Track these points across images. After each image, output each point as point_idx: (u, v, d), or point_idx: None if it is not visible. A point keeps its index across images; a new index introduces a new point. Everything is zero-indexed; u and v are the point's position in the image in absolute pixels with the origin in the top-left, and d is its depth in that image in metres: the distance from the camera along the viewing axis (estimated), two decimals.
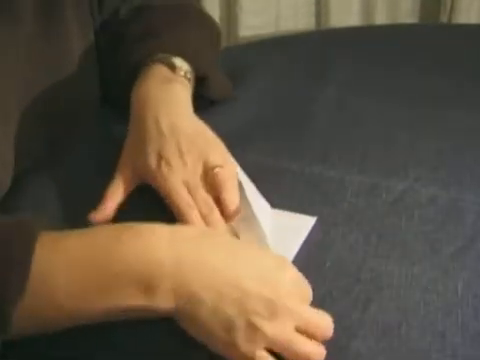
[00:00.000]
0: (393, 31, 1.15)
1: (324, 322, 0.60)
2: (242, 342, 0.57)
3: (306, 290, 0.61)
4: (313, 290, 0.64)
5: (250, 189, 0.73)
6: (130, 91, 0.78)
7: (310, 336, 0.59)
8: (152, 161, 0.71)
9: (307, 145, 0.84)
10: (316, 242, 0.70)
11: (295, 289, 0.60)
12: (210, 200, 0.69)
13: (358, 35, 1.13)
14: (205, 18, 0.93)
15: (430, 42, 1.08)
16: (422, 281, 0.66)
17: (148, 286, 0.56)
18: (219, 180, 0.69)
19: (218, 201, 0.69)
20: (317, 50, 1.06)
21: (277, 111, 0.90)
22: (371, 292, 0.65)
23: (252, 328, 0.57)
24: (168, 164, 0.70)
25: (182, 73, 0.79)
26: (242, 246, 0.63)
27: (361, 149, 0.83)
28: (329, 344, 0.60)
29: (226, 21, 1.64)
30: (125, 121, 0.77)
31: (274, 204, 0.74)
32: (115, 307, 0.57)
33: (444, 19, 1.58)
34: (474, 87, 0.95)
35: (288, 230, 0.71)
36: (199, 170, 0.71)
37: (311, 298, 0.61)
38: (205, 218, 0.68)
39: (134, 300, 0.57)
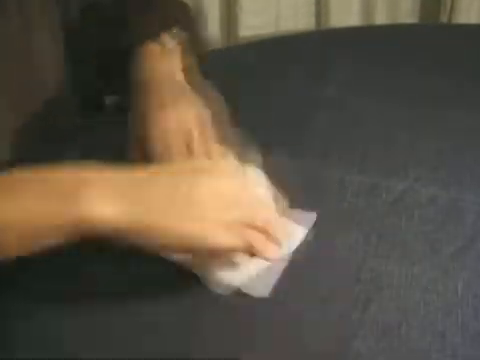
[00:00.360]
0: (393, 31, 1.15)
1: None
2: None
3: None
4: (313, 290, 0.64)
5: None
6: (123, 72, 0.83)
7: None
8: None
9: (307, 145, 0.84)
10: (316, 242, 0.70)
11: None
12: None
13: (358, 35, 1.13)
14: None
15: (430, 42, 1.08)
16: (422, 281, 0.66)
17: (81, 197, 0.56)
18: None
19: None
20: (317, 50, 1.06)
21: (277, 111, 0.90)
22: (371, 292, 0.65)
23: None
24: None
25: (170, 46, 0.85)
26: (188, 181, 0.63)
27: (361, 149, 0.83)
28: (329, 344, 0.60)
29: (226, 21, 1.64)
30: None
31: None
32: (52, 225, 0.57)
33: (444, 19, 1.58)
34: (474, 87, 0.95)
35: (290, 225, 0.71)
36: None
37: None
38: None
39: (66, 213, 0.56)
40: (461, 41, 1.08)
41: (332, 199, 0.75)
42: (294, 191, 0.76)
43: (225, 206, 0.61)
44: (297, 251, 0.68)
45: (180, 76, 0.83)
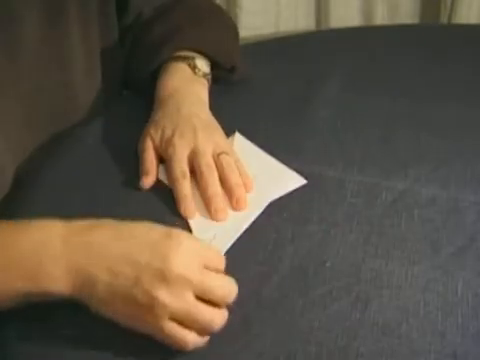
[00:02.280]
0: (393, 31, 1.15)
1: (223, 289, 0.61)
2: (147, 316, 0.58)
3: (206, 257, 0.62)
4: (313, 290, 0.64)
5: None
6: (155, 81, 0.86)
7: (211, 303, 0.60)
8: (168, 132, 0.77)
9: (307, 145, 0.84)
10: (316, 242, 0.70)
11: (190, 258, 0.60)
12: (214, 166, 0.74)
13: (358, 35, 1.13)
14: (223, 12, 0.99)
15: (430, 42, 1.08)
16: (422, 281, 0.66)
17: (40, 275, 0.59)
18: (224, 163, 0.75)
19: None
20: (317, 50, 1.06)
21: (277, 111, 0.90)
22: (371, 292, 0.65)
23: (150, 299, 0.58)
24: (181, 136, 0.76)
25: (201, 74, 0.86)
26: (129, 225, 0.63)
27: (361, 149, 0.83)
28: (329, 344, 0.60)
29: None
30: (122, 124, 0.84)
31: (274, 203, 0.74)
32: (13, 295, 0.60)
33: (444, 19, 1.58)
34: (474, 87, 0.95)
35: (273, 182, 0.76)
36: (210, 147, 0.76)
37: (220, 264, 0.63)
38: (206, 179, 0.73)
39: (28, 288, 0.59)
40: (461, 41, 1.08)
41: (332, 199, 0.75)
42: (294, 191, 0.76)
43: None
44: None
45: (206, 105, 0.83)
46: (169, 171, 0.75)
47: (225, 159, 0.75)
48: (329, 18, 1.59)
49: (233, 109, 0.89)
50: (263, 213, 0.73)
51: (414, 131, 0.86)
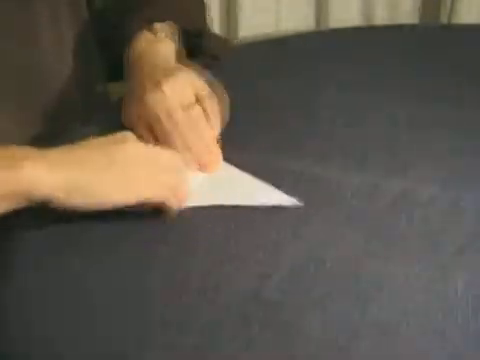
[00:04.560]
0: (393, 31, 1.15)
1: None
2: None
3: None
4: (313, 290, 0.64)
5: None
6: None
7: None
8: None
9: (307, 145, 0.84)
10: (316, 242, 0.70)
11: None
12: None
13: (358, 35, 1.13)
14: None
15: (430, 42, 1.08)
16: (422, 281, 0.66)
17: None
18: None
19: None
20: (317, 50, 1.06)
21: (277, 111, 0.90)
22: (371, 292, 0.65)
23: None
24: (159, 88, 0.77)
25: (163, 35, 0.88)
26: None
27: (361, 149, 0.83)
28: (329, 344, 0.60)
29: (226, 21, 1.64)
30: None
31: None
32: None
33: (444, 19, 1.58)
34: (474, 87, 0.95)
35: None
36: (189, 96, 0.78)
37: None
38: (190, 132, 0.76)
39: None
40: (461, 41, 1.08)
41: (332, 199, 0.75)
42: (294, 191, 0.76)
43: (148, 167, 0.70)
44: None
45: (172, 59, 0.85)
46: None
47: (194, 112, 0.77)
48: (329, 18, 1.59)
49: (232, 109, 0.88)
50: (263, 213, 0.73)
51: (414, 131, 0.86)
